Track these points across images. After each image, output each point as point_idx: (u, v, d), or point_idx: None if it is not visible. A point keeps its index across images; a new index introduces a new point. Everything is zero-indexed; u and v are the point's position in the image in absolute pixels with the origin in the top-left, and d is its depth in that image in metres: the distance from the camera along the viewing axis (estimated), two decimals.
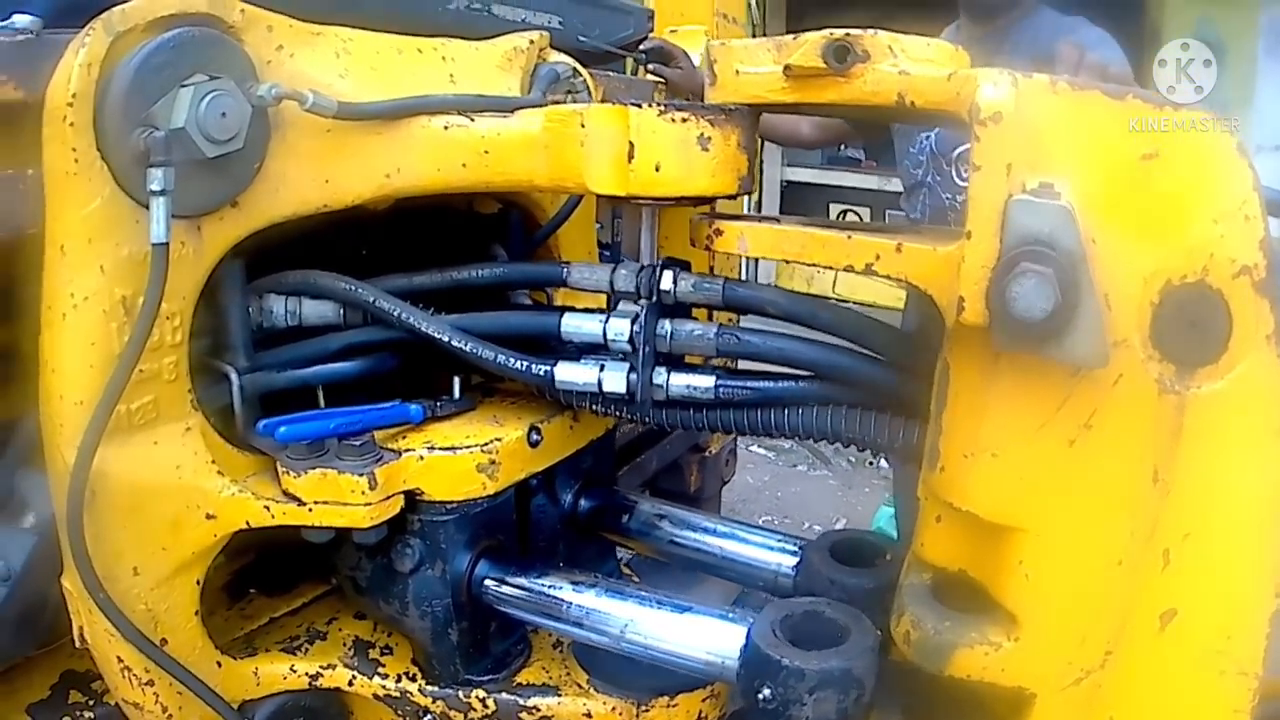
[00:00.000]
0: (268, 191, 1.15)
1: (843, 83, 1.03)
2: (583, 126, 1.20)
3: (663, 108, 1.13)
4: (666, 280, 1.23)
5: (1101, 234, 0.87)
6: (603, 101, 1.80)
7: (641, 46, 2.23)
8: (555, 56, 1.60)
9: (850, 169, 6.82)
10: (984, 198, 0.87)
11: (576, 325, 1.28)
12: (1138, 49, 2.92)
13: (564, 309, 1.32)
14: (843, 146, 6.34)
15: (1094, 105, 0.89)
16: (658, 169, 1.13)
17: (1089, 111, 0.89)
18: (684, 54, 2.26)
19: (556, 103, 1.42)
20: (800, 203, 6.96)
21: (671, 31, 2.41)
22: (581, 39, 1.85)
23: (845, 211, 6.87)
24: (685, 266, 1.26)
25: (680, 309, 1.26)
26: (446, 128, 1.27)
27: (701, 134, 1.12)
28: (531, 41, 1.48)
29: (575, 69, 1.54)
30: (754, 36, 2.61)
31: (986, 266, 0.86)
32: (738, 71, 1.13)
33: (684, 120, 1.12)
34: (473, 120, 1.29)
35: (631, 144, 1.13)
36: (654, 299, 1.23)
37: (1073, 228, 0.84)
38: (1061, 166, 0.87)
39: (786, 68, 1.06)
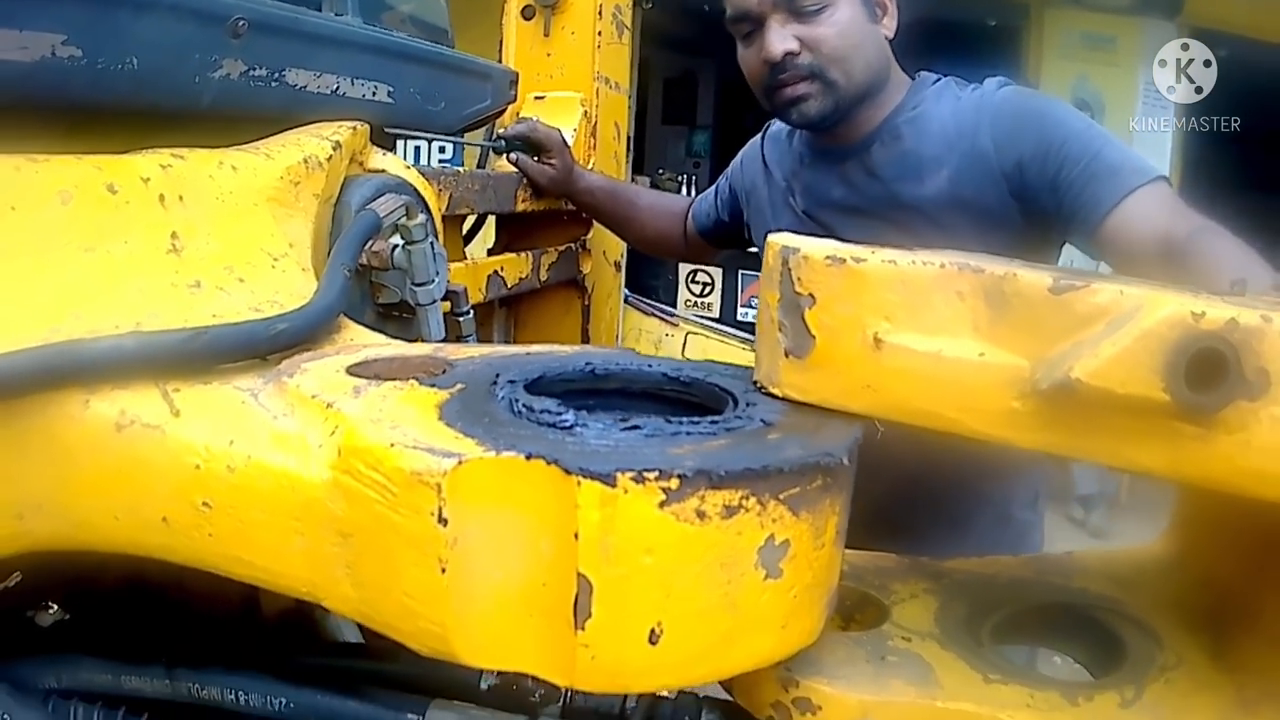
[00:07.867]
0: None
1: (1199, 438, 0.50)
2: (442, 522, 0.48)
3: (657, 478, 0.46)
4: None
5: None
6: (445, 221, 1.22)
7: (502, 132, 1.63)
8: (377, 158, 1.00)
9: None
10: None
11: None
12: None
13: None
14: None
15: None
16: (655, 638, 0.49)
17: None
18: (560, 142, 1.65)
19: (373, 274, 0.82)
20: (646, 265, 6.50)
21: (538, 98, 1.84)
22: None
23: (695, 271, 6.47)
24: None
25: None
26: (120, 427, 0.58)
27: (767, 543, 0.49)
28: (337, 145, 0.89)
29: (408, 198, 0.95)
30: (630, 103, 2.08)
31: None
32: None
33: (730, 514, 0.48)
34: (176, 413, 0.58)
35: (587, 581, 0.47)
36: None
37: None
38: None
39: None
